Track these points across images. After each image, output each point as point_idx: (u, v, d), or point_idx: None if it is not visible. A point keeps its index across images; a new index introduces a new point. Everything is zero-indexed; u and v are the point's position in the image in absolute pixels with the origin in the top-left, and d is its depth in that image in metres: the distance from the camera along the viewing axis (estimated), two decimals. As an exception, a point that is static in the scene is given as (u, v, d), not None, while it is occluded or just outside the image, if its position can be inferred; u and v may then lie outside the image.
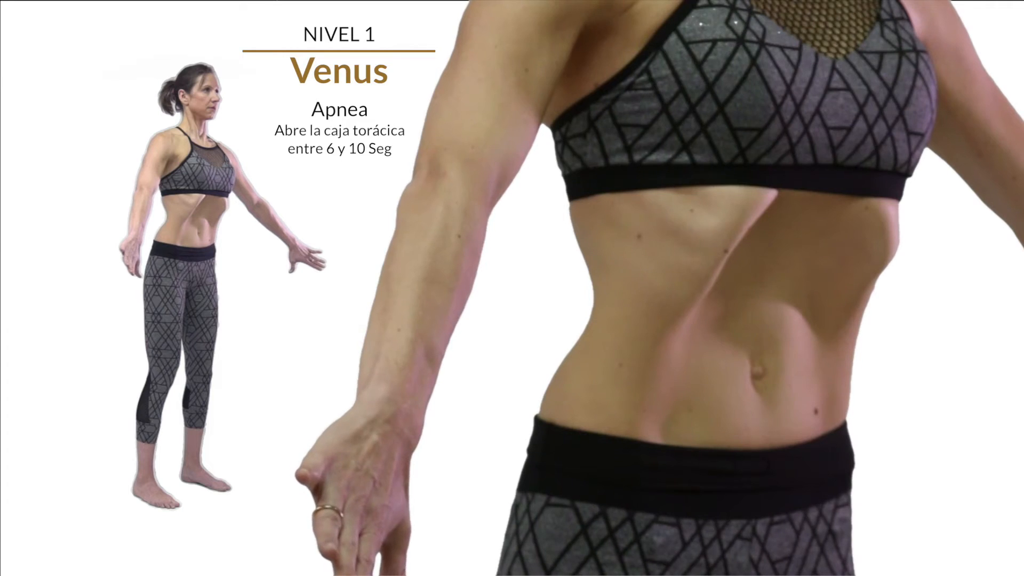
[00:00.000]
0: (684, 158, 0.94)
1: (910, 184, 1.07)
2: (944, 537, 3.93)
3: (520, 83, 0.94)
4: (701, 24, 0.94)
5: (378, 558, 0.74)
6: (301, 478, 0.69)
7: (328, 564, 0.67)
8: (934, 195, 2.17)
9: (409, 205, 0.88)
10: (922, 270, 5.23)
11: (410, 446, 0.78)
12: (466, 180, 0.89)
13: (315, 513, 0.69)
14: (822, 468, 1.06)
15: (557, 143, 1.04)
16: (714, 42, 0.93)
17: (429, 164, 0.91)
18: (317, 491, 0.71)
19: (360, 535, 0.70)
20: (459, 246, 0.86)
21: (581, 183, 1.02)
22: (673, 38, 0.94)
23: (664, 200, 0.96)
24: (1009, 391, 5.43)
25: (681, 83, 0.93)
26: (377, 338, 0.81)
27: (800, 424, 1.03)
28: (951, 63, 1.13)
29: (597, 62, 0.98)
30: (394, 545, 0.76)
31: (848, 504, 1.11)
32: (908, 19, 1.05)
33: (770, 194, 0.95)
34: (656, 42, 0.95)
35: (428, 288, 0.83)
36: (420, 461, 0.80)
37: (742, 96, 0.92)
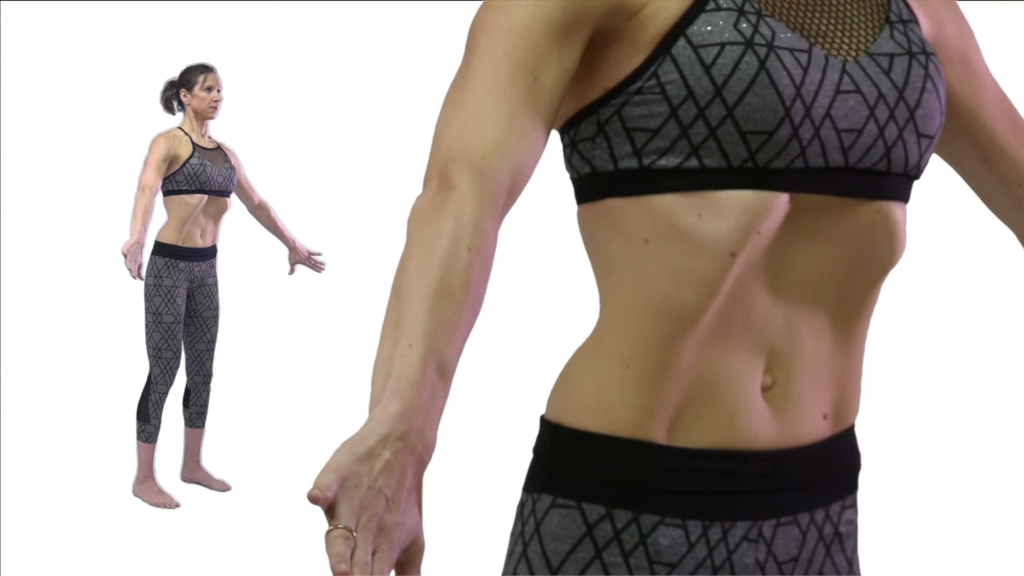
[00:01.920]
0: (693, 162, 0.94)
1: (915, 188, 1.06)
2: (949, 538, 3.92)
3: (529, 92, 0.93)
4: (709, 28, 0.93)
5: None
6: (313, 499, 0.69)
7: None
8: (939, 199, 2.17)
9: (419, 218, 0.87)
10: (929, 274, 5.23)
11: (423, 463, 0.77)
12: (476, 192, 0.89)
13: (328, 533, 0.68)
14: (829, 470, 1.06)
15: (566, 147, 1.04)
16: (722, 45, 0.93)
17: (439, 176, 0.90)
18: (330, 511, 0.70)
19: (373, 554, 0.69)
20: (470, 259, 0.85)
21: (590, 187, 1.01)
22: (681, 42, 0.94)
23: (672, 204, 0.95)
24: (1014, 393, 5.43)
25: (690, 87, 0.93)
26: (389, 354, 0.80)
27: (809, 429, 1.03)
28: (959, 67, 1.12)
29: (606, 67, 0.97)
30: (408, 562, 0.75)
31: (854, 505, 1.11)
32: (917, 22, 1.05)
33: (781, 198, 0.95)
34: (665, 46, 0.94)
35: (439, 302, 0.83)
36: (425, 474, 0.79)
37: (751, 99, 0.92)
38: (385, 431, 0.74)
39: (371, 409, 0.78)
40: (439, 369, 0.81)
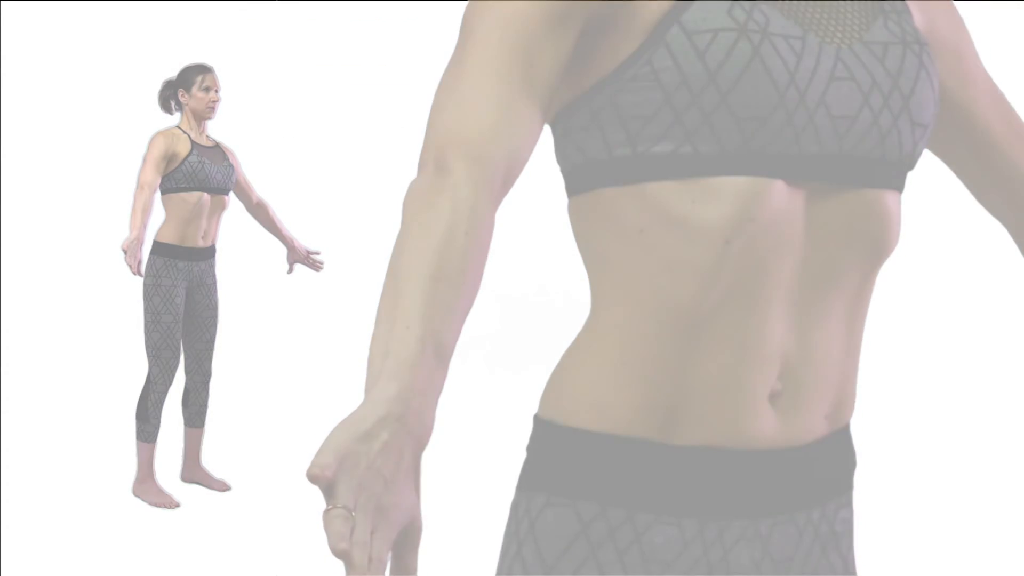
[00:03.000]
0: (687, 148, 0.94)
1: (913, 188, 1.07)
2: (946, 538, 3.92)
3: (525, 79, 0.93)
4: (703, 15, 0.94)
5: (389, 556, 0.73)
6: (312, 477, 0.69)
7: (338, 563, 0.67)
8: (933, 196, 2.17)
9: (415, 202, 0.87)
10: (922, 272, 5.23)
11: (420, 444, 0.77)
12: (472, 177, 0.89)
13: (326, 512, 0.68)
14: (825, 468, 1.06)
15: (558, 138, 1.03)
16: (716, 32, 0.93)
17: (435, 161, 0.90)
18: (328, 490, 0.70)
19: (372, 534, 0.69)
20: (466, 243, 0.86)
21: (582, 177, 1.01)
22: (675, 29, 0.94)
23: (666, 192, 0.95)
24: (1010, 390, 5.43)
25: (683, 73, 0.93)
26: (386, 336, 0.80)
27: (808, 429, 1.02)
28: (951, 62, 1.12)
29: (600, 55, 0.97)
30: (405, 543, 0.75)
31: (850, 504, 1.11)
32: (910, 13, 1.05)
33: (775, 184, 0.94)
34: (658, 34, 0.94)
35: (436, 286, 0.83)
36: (423, 459, 0.79)
37: (745, 85, 0.92)
38: (383, 412, 0.74)
39: (368, 391, 0.78)
40: (436, 352, 0.81)
